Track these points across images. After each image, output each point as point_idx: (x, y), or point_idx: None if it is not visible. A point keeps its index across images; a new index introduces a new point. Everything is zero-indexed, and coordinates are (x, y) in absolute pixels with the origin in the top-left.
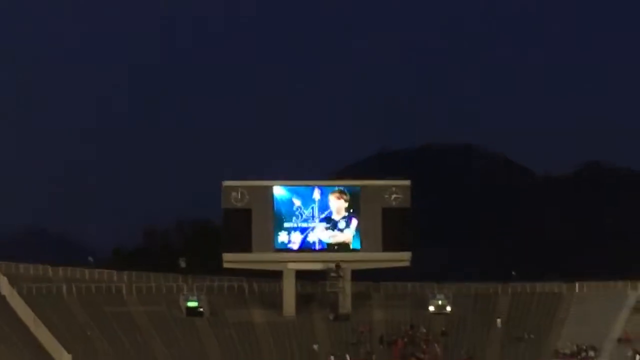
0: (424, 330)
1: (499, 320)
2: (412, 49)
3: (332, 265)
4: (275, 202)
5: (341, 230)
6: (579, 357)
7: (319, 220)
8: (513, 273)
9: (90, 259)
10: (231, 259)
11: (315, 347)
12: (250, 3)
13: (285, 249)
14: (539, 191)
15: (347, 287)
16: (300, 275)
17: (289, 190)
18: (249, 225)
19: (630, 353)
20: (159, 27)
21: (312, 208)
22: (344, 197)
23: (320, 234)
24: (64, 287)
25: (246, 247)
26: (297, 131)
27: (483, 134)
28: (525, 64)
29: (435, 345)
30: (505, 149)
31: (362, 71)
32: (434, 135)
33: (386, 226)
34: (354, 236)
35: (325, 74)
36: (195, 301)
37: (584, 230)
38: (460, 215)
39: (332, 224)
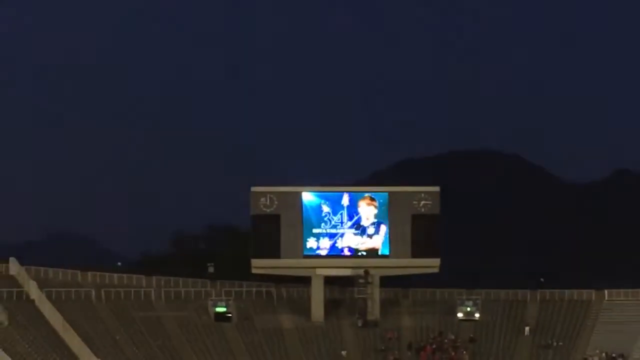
0: (452, 337)
1: (527, 328)
2: (439, 60)
3: (361, 272)
4: (304, 208)
5: (370, 237)
6: None
7: (348, 227)
8: (542, 280)
9: (119, 263)
10: (260, 265)
11: (344, 353)
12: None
13: (314, 254)
14: (569, 198)
15: (375, 293)
16: (329, 281)
17: (318, 196)
18: (277, 231)
19: None
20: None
21: (341, 214)
22: (374, 203)
23: (349, 240)
24: (93, 292)
25: (275, 253)
26: (324, 138)
27: (510, 140)
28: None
29: (464, 352)
30: (537, 156)
31: (388, 82)
32: (463, 141)
33: (415, 232)
34: (383, 242)
35: (351, 83)
36: (223, 307)
37: (614, 237)
38: (488, 222)
39: (362, 230)
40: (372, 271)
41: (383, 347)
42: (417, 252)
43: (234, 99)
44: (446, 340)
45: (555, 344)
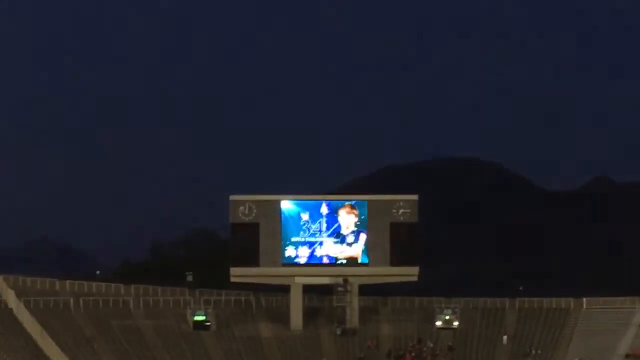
0: (431, 345)
1: (505, 337)
2: (418, 63)
3: (340, 280)
4: (282, 217)
5: (350, 245)
6: None
7: (327, 235)
8: (520, 288)
9: (98, 272)
10: (239, 273)
11: None
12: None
13: (292, 263)
14: (545, 206)
15: (354, 301)
16: (308, 289)
17: (297, 205)
18: (256, 239)
19: None
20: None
21: (320, 222)
22: (355, 211)
23: (328, 248)
24: (71, 301)
25: (254, 262)
26: (302, 146)
27: (490, 148)
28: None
29: None
30: (513, 163)
31: (367, 87)
32: (440, 149)
33: (394, 241)
34: (362, 251)
35: (330, 92)
36: (202, 315)
37: (592, 246)
38: (467, 230)
39: (341, 239)
40: (351, 279)
41: (362, 356)
42: (396, 260)
43: (211, 102)
44: (425, 349)
45: (534, 352)
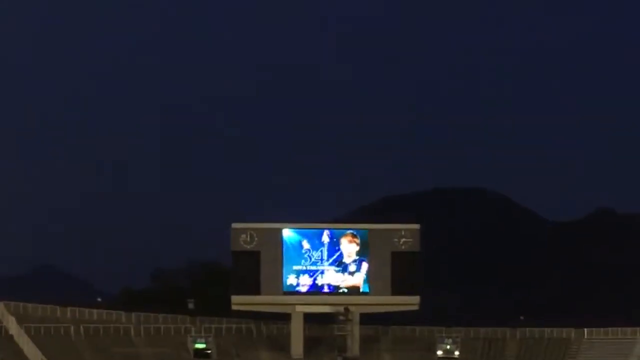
0: None
1: None
2: (420, 93)
3: (341, 309)
4: (284, 245)
5: (352, 274)
6: None
7: (328, 264)
8: (521, 318)
9: (99, 299)
10: (240, 301)
11: None
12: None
13: (293, 291)
14: (549, 236)
15: (355, 330)
16: (309, 317)
17: (298, 233)
18: (257, 267)
19: None
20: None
21: (321, 251)
22: (356, 240)
23: (330, 277)
24: (72, 328)
25: (255, 290)
26: (304, 175)
27: (493, 178)
28: (534, 106)
29: None
30: (516, 193)
31: (369, 115)
32: (444, 178)
33: (395, 270)
34: (364, 280)
35: (331, 117)
36: (203, 343)
37: (593, 276)
38: (469, 260)
39: (343, 267)
40: (352, 308)
41: None
42: (397, 289)
43: (213, 133)
44: None
45: None
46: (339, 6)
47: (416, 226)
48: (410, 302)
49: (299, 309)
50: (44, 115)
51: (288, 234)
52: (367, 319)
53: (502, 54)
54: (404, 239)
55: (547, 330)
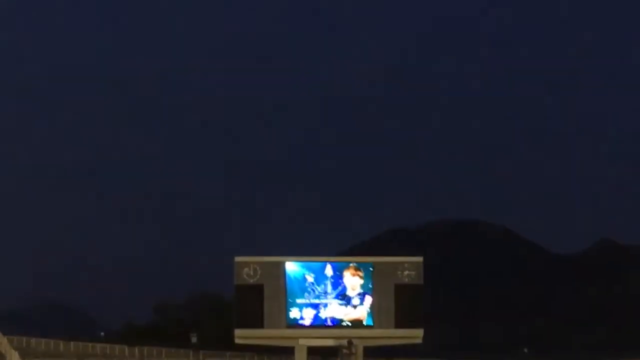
0: None
1: None
2: (420, 130)
3: (344, 342)
4: (287, 278)
5: (355, 307)
6: None
7: (332, 297)
8: (525, 350)
9: (102, 333)
10: (243, 335)
11: None
12: None
13: (297, 325)
14: (550, 268)
15: None
16: (312, 351)
17: (301, 266)
18: (261, 301)
19: None
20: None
21: (325, 284)
22: (359, 273)
23: (334, 310)
24: None
25: (258, 323)
26: (308, 208)
27: (493, 212)
28: (536, 137)
29: None
30: (517, 225)
31: (373, 148)
32: (445, 212)
33: (399, 303)
34: (367, 313)
35: (337, 151)
36: None
37: (596, 308)
38: (471, 292)
39: (347, 301)
40: (355, 341)
41: None
42: (401, 322)
43: (211, 167)
44: None
45: None
46: None
47: (419, 259)
48: (414, 335)
49: (303, 342)
50: (42, 152)
51: (291, 267)
52: (371, 352)
53: (498, 89)
54: (407, 272)
55: None
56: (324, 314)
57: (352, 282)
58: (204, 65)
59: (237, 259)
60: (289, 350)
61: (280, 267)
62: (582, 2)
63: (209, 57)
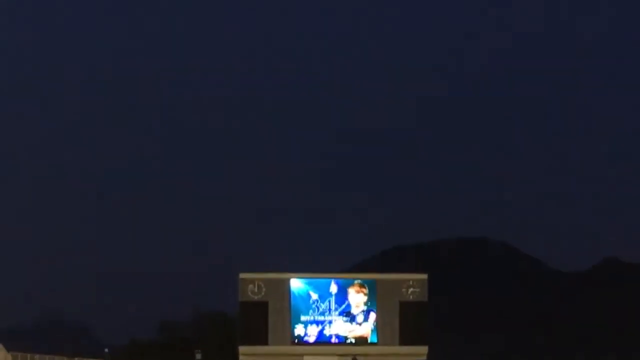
0: None
1: None
2: (425, 144)
3: (349, 359)
4: (292, 295)
5: (359, 324)
6: None
7: (337, 314)
8: None
9: (107, 350)
10: (247, 352)
11: None
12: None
13: (301, 342)
14: (556, 286)
15: None
16: None
17: (306, 283)
18: (265, 317)
19: None
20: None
21: (329, 301)
22: (364, 290)
23: (338, 327)
24: None
25: (262, 340)
26: (311, 225)
27: (499, 229)
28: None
29: None
30: (526, 243)
31: (375, 163)
32: (448, 228)
33: (403, 320)
34: (372, 330)
35: (338, 168)
36: None
37: (600, 325)
38: (475, 309)
39: (351, 318)
40: (360, 358)
41: None
42: (405, 339)
43: (213, 184)
44: None
45: None
46: None
47: (424, 276)
48: (419, 352)
49: (307, 359)
50: (45, 161)
51: (296, 284)
52: None
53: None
54: (412, 289)
55: None
56: (328, 331)
57: (357, 299)
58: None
59: (242, 275)
60: None
61: (285, 284)
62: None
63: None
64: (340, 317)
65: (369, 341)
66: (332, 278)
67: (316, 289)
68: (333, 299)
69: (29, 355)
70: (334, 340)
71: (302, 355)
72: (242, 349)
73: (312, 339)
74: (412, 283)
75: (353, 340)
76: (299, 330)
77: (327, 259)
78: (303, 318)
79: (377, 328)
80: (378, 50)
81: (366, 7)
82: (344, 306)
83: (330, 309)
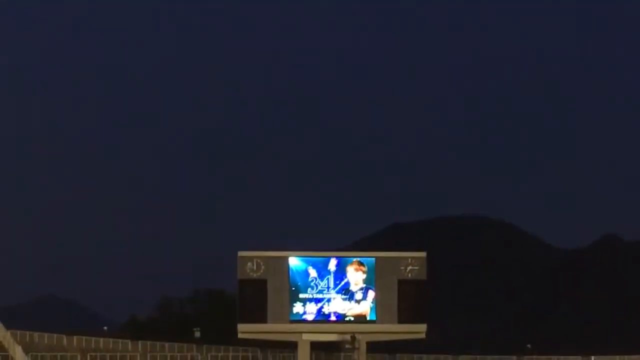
0: None
1: None
2: (427, 123)
3: (348, 337)
4: (290, 273)
5: (358, 302)
6: None
7: (335, 292)
8: (528, 346)
9: (105, 328)
10: (246, 330)
11: None
12: None
13: (300, 320)
14: (555, 263)
15: (362, 358)
16: (315, 346)
17: (305, 261)
18: (264, 296)
19: None
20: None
21: (328, 279)
22: (363, 268)
23: (337, 305)
24: (78, 357)
25: (261, 318)
26: (312, 203)
27: (498, 206)
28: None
29: None
30: (524, 221)
31: (376, 144)
32: (448, 207)
33: (402, 298)
34: (371, 308)
35: (340, 150)
36: None
37: (600, 303)
38: (475, 288)
39: (350, 296)
40: (358, 336)
41: None
42: (404, 317)
43: (220, 161)
44: None
45: None
46: None
47: (422, 254)
48: (417, 330)
49: (306, 337)
50: (44, 139)
51: (294, 262)
52: (374, 347)
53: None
54: (410, 267)
55: (554, 357)
56: (327, 309)
57: (355, 277)
58: (204, 65)
59: (241, 253)
60: (292, 345)
61: (284, 262)
62: (582, 2)
63: (209, 57)
64: (339, 295)
65: (367, 319)
66: (331, 256)
67: (315, 267)
68: (332, 277)
69: (28, 334)
70: (332, 318)
71: (300, 333)
72: (240, 327)
73: (310, 317)
74: (411, 261)
75: (352, 318)
76: (297, 308)
77: (326, 237)
78: (302, 296)
79: (376, 306)
80: None
81: None
82: (342, 284)
83: (329, 287)
